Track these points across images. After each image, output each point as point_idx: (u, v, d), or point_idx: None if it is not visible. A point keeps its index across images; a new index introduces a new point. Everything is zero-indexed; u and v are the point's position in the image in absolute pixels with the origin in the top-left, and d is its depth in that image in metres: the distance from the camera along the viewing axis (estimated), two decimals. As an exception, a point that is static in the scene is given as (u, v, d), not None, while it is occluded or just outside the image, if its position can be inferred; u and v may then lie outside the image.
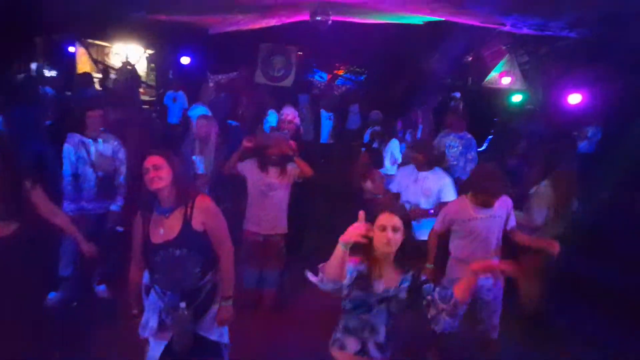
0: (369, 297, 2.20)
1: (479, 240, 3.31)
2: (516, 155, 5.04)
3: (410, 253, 2.27)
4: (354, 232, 1.95)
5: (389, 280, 2.22)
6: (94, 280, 4.37)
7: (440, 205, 4.00)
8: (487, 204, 3.26)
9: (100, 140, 4.10)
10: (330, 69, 13.25)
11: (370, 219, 2.13)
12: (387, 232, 2.16)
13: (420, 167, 4.15)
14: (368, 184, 4.95)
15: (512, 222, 3.42)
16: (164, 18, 7.33)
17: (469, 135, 5.81)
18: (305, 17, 6.47)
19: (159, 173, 2.35)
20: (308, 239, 5.00)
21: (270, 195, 3.98)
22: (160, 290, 2.48)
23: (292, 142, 4.01)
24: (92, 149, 4.06)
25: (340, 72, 13.22)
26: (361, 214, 2.01)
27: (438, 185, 4.12)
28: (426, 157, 4.18)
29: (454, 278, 3.31)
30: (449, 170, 5.51)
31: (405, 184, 4.21)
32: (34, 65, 11.59)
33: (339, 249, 2.00)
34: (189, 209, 2.42)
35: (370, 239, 2.11)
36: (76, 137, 4.04)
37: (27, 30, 9.86)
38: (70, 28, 10.30)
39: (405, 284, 2.20)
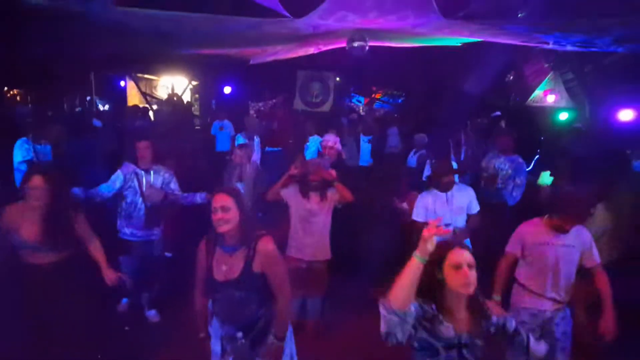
0: (436, 342, 1.99)
1: (548, 269, 3.07)
2: (567, 176, 4.83)
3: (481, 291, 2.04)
4: (431, 236, 1.79)
5: (461, 325, 2.01)
6: (144, 306, 4.50)
7: (470, 218, 4.03)
8: (561, 230, 3.03)
9: (151, 171, 4.28)
10: (367, 92, 13.37)
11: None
12: (464, 270, 1.94)
13: (448, 188, 4.09)
14: (405, 206, 4.92)
15: (594, 260, 3.09)
16: (208, 52, 7.67)
17: (520, 160, 5.50)
18: (342, 44, 6.60)
19: (227, 215, 2.39)
20: (349, 263, 4.96)
21: (311, 222, 4.01)
22: (220, 320, 2.60)
23: (332, 171, 4.05)
24: (144, 180, 4.24)
25: (378, 96, 13.30)
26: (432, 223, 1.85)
27: (467, 200, 4.10)
28: (453, 176, 4.17)
29: (520, 307, 3.15)
30: (497, 192, 5.40)
31: (434, 208, 4.11)
32: (87, 99, 12.40)
33: (414, 263, 1.83)
34: (251, 251, 2.45)
35: (441, 280, 1.97)
36: (130, 166, 4.25)
37: (82, 67, 10.59)
38: (122, 64, 10.95)
39: (488, 329, 2.00)
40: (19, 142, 5.14)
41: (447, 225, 4.00)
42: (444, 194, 4.09)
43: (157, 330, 4.33)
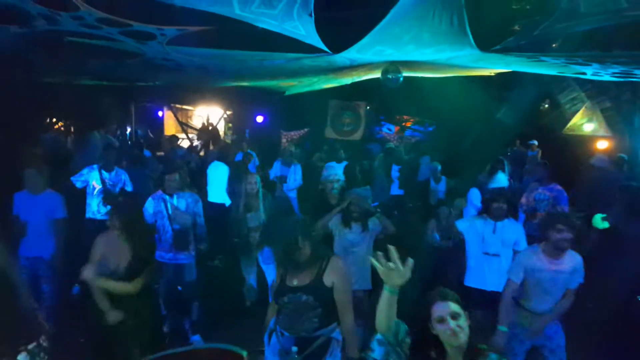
0: None
1: (542, 291, 3.27)
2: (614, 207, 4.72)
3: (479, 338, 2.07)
4: (396, 275, 1.96)
5: None
6: (188, 331, 4.59)
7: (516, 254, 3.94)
8: (556, 255, 3.22)
9: (175, 196, 4.51)
10: (398, 121, 13.46)
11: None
12: (447, 322, 1.96)
13: (499, 217, 4.09)
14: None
15: (574, 284, 3.28)
16: (246, 84, 7.95)
17: (559, 187, 5.45)
18: (376, 75, 6.75)
19: (302, 252, 2.68)
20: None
21: (352, 252, 4.06)
22: (280, 330, 2.75)
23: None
24: (169, 204, 4.47)
25: (409, 124, 13.35)
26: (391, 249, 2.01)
27: (515, 235, 4.07)
28: (509, 206, 4.16)
29: (514, 322, 3.32)
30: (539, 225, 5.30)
31: (481, 235, 4.12)
32: (128, 129, 12.91)
33: (384, 294, 2.02)
34: (324, 265, 2.71)
35: (435, 335, 1.99)
36: (158, 193, 4.54)
37: (123, 97, 11.11)
38: (162, 95, 11.45)
39: None
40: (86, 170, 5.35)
41: (494, 255, 4.00)
42: (493, 222, 4.09)
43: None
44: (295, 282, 2.71)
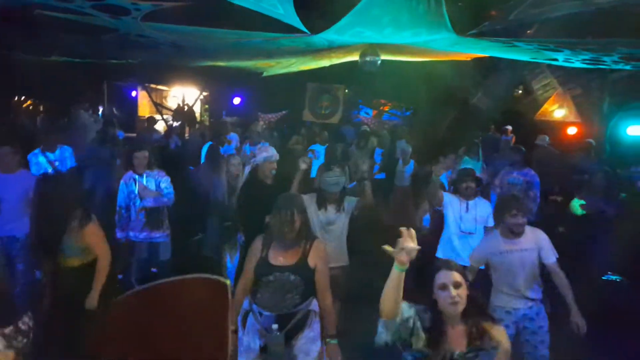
0: (432, 356, 2.07)
1: (513, 273, 3.32)
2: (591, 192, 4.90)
3: (476, 308, 2.16)
4: (408, 251, 1.92)
5: (454, 342, 2.09)
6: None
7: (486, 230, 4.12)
8: (513, 236, 3.30)
9: (144, 175, 4.56)
10: (375, 105, 13.52)
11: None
12: (449, 290, 2.06)
13: (470, 196, 4.22)
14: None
15: (549, 257, 3.34)
16: (223, 65, 7.84)
17: (533, 172, 5.61)
18: (355, 57, 6.75)
19: (295, 225, 2.75)
20: (359, 275, 5.03)
21: (329, 230, 4.10)
22: (258, 310, 2.77)
23: None
24: (138, 183, 4.51)
25: (386, 108, 13.43)
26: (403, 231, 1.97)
27: (487, 212, 4.22)
28: (478, 185, 4.31)
29: (495, 306, 3.39)
30: None
31: (458, 214, 4.25)
32: (100, 108, 12.59)
33: (394, 273, 1.96)
34: (307, 247, 2.82)
35: (434, 301, 2.08)
36: (129, 174, 4.58)
37: (96, 77, 10.81)
38: (134, 75, 11.17)
39: (481, 348, 2.08)
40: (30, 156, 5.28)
41: (469, 233, 4.13)
42: (465, 202, 4.22)
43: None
44: (280, 261, 2.75)
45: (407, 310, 2.09)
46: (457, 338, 2.09)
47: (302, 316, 2.78)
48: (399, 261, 1.96)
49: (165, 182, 4.62)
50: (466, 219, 4.21)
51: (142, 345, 2.38)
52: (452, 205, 4.26)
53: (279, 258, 2.78)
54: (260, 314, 2.77)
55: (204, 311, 2.41)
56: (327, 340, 2.81)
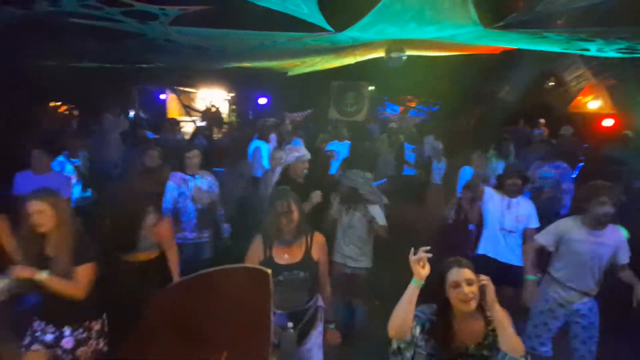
0: (443, 353, 2.10)
1: (580, 264, 3.20)
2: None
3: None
4: (419, 266, 2.06)
5: (468, 337, 2.11)
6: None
7: (528, 231, 3.97)
8: (597, 227, 3.14)
9: (197, 176, 4.50)
10: (402, 101, 13.39)
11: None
12: (462, 288, 2.07)
13: (514, 194, 4.08)
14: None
15: (624, 259, 3.20)
16: (248, 65, 7.92)
17: (565, 165, 5.45)
18: (379, 54, 6.71)
19: (292, 216, 2.74)
20: (389, 274, 5.00)
21: (350, 233, 4.04)
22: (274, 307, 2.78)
23: None
24: (191, 184, 4.46)
25: (413, 104, 13.28)
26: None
27: (528, 211, 4.06)
28: (524, 183, 4.17)
29: (549, 297, 3.31)
30: (547, 203, 5.27)
31: (499, 211, 4.14)
32: (132, 111, 12.93)
33: (411, 286, 2.08)
34: (308, 241, 2.82)
35: (447, 299, 2.11)
36: (177, 174, 4.48)
37: (126, 81, 11.11)
38: (163, 78, 11.43)
39: (495, 342, 2.08)
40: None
41: (510, 231, 4.01)
42: (508, 199, 4.08)
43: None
44: (286, 258, 2.75)
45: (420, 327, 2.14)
46: (469, 333, 2.11)
47: (313, 313, 2.83)
48: (418, 275, 2.07)
49: (216, 184, 4.58)
50: (508, 217, 4.05)
51: (186, 333, 2.49)
52: (492, 200, 4.13)
53: (284, 256, 2.76)
54: (274, 313, 2.71)
55: (246, 299, 2.51)
56: (327, 325, 2.93)
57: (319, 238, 2.87)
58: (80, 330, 2.74)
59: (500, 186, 4.20)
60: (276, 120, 7.83)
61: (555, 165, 5.45)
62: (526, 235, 3.96)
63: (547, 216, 5.08)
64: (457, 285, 2.06)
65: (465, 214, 4.90)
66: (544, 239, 3.38)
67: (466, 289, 2.04)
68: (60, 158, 5.40)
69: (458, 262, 2.14)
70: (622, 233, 3.21)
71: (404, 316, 2.05)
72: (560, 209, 5.30)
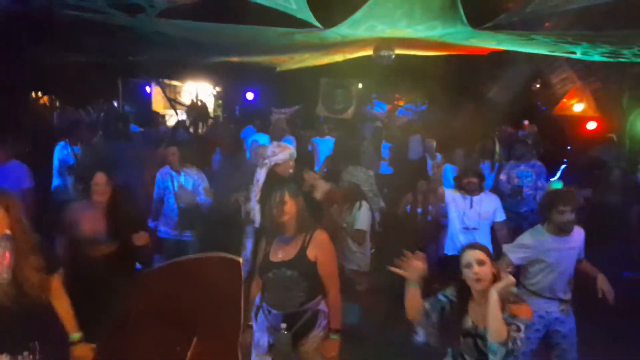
0: (455, 326, 2.26)
1: (555, 272, 3.17)
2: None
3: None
4: (415, 270, 2.21)
5: (479, 317, 2.19)
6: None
7: (496, 225, 4.09)
8: (562, 234, 3.12)
9: (182, 173, 4.44)
10: (390, 99, 13.41)
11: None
12: (473, 268, 2.18)
13: (473, 192, 4.13)
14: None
15: (582, 254, 3.29)
16: (236, 60, 7.85)
17: (540, 164, 5.65)
18: (368, 52, 6.70)
19: (285, 207, 2.65)
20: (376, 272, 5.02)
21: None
22: (267, 307, 2.71)
23: None
24: (175, 181, 4.41)
25: (401, 103, 13.32)
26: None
27: (493, 206, 4.14)
28: (481, 181, 4.23)
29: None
30: (524, 201, 5.44)
31: (461, 210, 4.16)
32: (115, 104, 12.72)
33: (409, 288, 2.23)
34: (307, 238, 2.67)
35: (463, 279, 2.24)
36: (165, 168, 4.49)
37: (111, 73, 10.91)
38: (149, 71, 11.25)
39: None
40: (58, 147, 5.36)
41: (473, 229, 4.06)
42: (469, 197, 4.13)
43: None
44: (280, 256, 2.66)
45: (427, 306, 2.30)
46: (482, 315, 2.18)
47: (310, 316, 2.66)
48: (408, 279, 2.24)
49: (205, 185, 4.48)
50: (469, 215, 4.11)
51: (163, 314, 2.59)
52: (455, 201, 4.17)
53: (278, 254, 2.68)
54: (269, 312, 2.69)
55: (219, 285, 2.67)
56: (330, 335, 2.68)
57: (319, 236, 2.68)
58: None
59: (458, 186, 4.26)
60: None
61: (531, 164, 5.64)
62: (495, 230, 4.10)
63: (522, 214, 5.34)
64: (468, 265, 2.19)
65: (422, 208, 5.00)
66: (512, 255, 3.24)
67: (476, 268, 2.17)
68: (62, 143, 5.36)
69: (472, 245, 2.30)
70: (582, 231, 3.25)
71: (415, 307, 2.26)
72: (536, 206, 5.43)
